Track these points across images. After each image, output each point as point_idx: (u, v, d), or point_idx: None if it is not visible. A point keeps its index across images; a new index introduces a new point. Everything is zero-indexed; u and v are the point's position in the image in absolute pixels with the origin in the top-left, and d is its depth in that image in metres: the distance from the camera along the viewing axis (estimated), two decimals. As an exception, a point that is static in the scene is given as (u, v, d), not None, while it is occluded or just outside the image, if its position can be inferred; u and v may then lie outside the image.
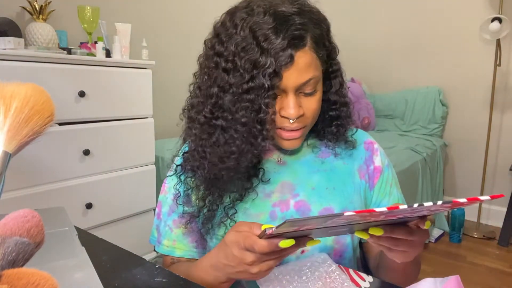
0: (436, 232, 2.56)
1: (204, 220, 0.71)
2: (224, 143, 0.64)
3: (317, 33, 0.63)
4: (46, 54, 1.48)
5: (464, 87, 2.87)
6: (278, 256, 0.54)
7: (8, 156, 0.36)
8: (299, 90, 0.64)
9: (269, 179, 0.72)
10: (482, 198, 0.41)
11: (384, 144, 2.45)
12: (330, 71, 0.70)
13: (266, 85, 0.59)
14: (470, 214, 2.75)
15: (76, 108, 1.57)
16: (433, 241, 2.50)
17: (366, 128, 3.07)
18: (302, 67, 0.61)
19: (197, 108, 0.67)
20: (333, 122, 0.73)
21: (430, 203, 0.40)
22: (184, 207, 0.74)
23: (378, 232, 0.50)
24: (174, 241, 0.76)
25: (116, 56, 1.75)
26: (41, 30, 1.65)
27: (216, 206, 0.70)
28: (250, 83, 0.60)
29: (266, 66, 0.58)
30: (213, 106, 0.64)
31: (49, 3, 1.74)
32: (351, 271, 0.64)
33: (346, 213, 0.41)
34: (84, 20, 1.78)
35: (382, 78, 3.27)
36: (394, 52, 3.17)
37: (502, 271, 2.17)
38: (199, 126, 0.66)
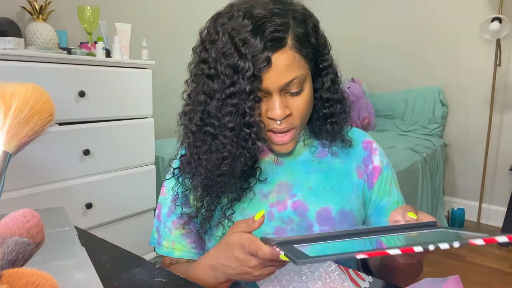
0: (436, 232, 2.55)
1: (202, 220, 0.71)
2: (216, 150, 0.64)
3: (300, 32, 0.63)
4: (46, 54, 1.48)
5: (464, 87, 2.87)
6: (280, 263, 0.54)
7: (8, 156, 0.36)
8: (284, 91, 0.64)
9: (266, 178, 0.73)
10: (498, 239, 0.38)
11: (384, 144, 2.46)
12: (321, 67, 0.70)
13: (247, 89, 0.60)
14: (470, 214, 2.76)
15: (76, 108, 1.57)
16: (433, 241, 2.50)
17: (366, 128, 3.07)
18: (282, 68, 0.61)
19: (189, 115, 0.68)
20: (328, 119, 0.73)
21: (447, 245, 0.37)
22: (182, 208, 0.74)
23: None
24: (173, 242, 0.76)
25: (116, 56, 1.75)
26: (41, 30, 1.65)
27: (214, 206, 0.70)
28: (231, 88, 0.60)
29: (245, 70, 0.59)
30: (202, 113, 0.65)
31: (49, 3, 1.74)
32: (350, 271, 0.64)
33: (359, 256, 0.37)
34: (84, 20, 1.78)
35: (382, 78, 3.27)
36: (394, 52, 3.17)
37: (502, 271, 2.17)
38: (191, 134, 0.67)
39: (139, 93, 1.82)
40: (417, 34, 3.04)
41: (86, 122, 1.62)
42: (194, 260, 0.75)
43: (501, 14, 2.41)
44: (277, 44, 0.60)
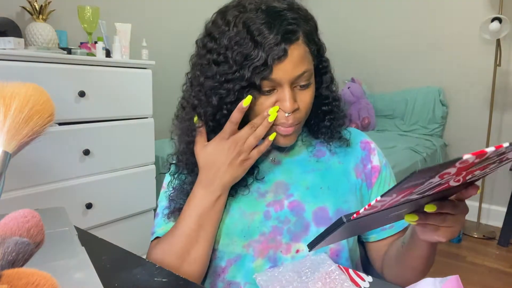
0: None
1: None
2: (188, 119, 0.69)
3: (307, 29, 0.64)
4: (46, 54, 1.48)
5: (464, 87, 2.87)
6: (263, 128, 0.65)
7: (8, 156, 0.36)
8: (294, 84, 0.65)
9: (264, 178, 0.73)
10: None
11: (384, 144, 2.46)
12: (320, 67, 0.72)
13: (247, 77, 0.61)
14: (470, 214, 2.75)
15: (76, 108, 1.57)
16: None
17: (366, 128, 3.06)
18: (297, 60, 0.62)
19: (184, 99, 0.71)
20: (326, 116, 0.74)
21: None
22: (180, 203, 0.74)
23: (431, 208, 0.49)
24: (166, 228, 0.75)
25: (116, 56, 1.75)
26: (41, 30, 1.65)
27: None
28: (236, 74, 0.61)
29: (256, 60, 0.60)
30: (196, 93, 0.67)
31: (49, 3, 1.74)
32: (350, 271, 0.64)
33: (465, 156, 0.37)
34: (84, 20, 1.78)
35: (382, 78, 3.27)
36: (394, 52, 3.17)
37: (502, 271, 2.17)
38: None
39: (139, 93, 1.82)
40: (417, 34, 3.04)
41: (86, 122, 1.62)
42: None
43: (501, 14, 2.41)
44: (293, 36, 0.61)
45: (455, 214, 0.51)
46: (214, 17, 0.66)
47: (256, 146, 0.67)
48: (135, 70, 1.80)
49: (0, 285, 0.26)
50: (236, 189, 0.71)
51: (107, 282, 0.46)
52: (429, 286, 0.50)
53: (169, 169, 0.77)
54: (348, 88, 3.12)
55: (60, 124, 1.54)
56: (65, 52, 1.60)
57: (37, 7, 1.70)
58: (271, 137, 0.67)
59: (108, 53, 1.75)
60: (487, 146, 2.62)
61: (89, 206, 1.64)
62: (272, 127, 0.68)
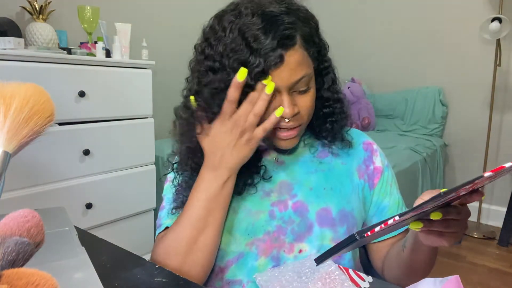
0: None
1: None
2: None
3: (306, 32, 0.63)
4: (46, 54, 1.48)
5: (464, 87, 2.87)
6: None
7: (8, 156, 0.36)
8: (292, 89, 0.64)
9: (271, 177, 0.73)
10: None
11: (384, 144, 2.46)
12: (322, 68, 0.71)
13: (249, 83, 0.60)
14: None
15: (76, 108, 1.57)
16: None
17: (366, 128, 3.06)
18: (294, 65, 0.61)
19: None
20: (328, 118, 0.74)
21: None
22: (183, 198, 0.73)
23: (437, 216, 0.49)
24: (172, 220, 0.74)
25: (116, 56, 1.75)
26: (41, 30, 1.65)
27: None
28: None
29: (255, 66, 0.59)
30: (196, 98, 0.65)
31: (49, 3, 1.74)
32: (350, 271, 0.64)
33: (486, 174, 0.38)
34: (84, 20, 1.78)
35: (382, 78, 3.27)
36: (394, 52, 3.17)
37: (502, 271, 2.17)
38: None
39: (139, 93, 1.82)
40: (417, 34, 3.04)
41: (86, 122, 1.62)
42: None
43: (501, 14, 2.41)
44: (289, 42, 0.60)
45: (459, 219, 0.51)
46: (211, 22, 0.66)
47: (261, 123, 0.64)
48: (135, 70, 1.80)
49: (0, 285, 0.26)
50: (243, 187, 0.71)
51: (107, 282, 0.46)
52: (429, 286, 0.50)
53: (172, 169, 0.76)
54: (348, 88, 3.12)
55: (60, 124, 1.54)
56: (65, 52, 1.60)
57: (37, 7, 1.70)
58: (277, 113, 0.63)
59: (108, 53, 1.75)
60: (487, 146, 2.63)
61: (89, 206, 1.64)
62: (274, 131, 0.67)
